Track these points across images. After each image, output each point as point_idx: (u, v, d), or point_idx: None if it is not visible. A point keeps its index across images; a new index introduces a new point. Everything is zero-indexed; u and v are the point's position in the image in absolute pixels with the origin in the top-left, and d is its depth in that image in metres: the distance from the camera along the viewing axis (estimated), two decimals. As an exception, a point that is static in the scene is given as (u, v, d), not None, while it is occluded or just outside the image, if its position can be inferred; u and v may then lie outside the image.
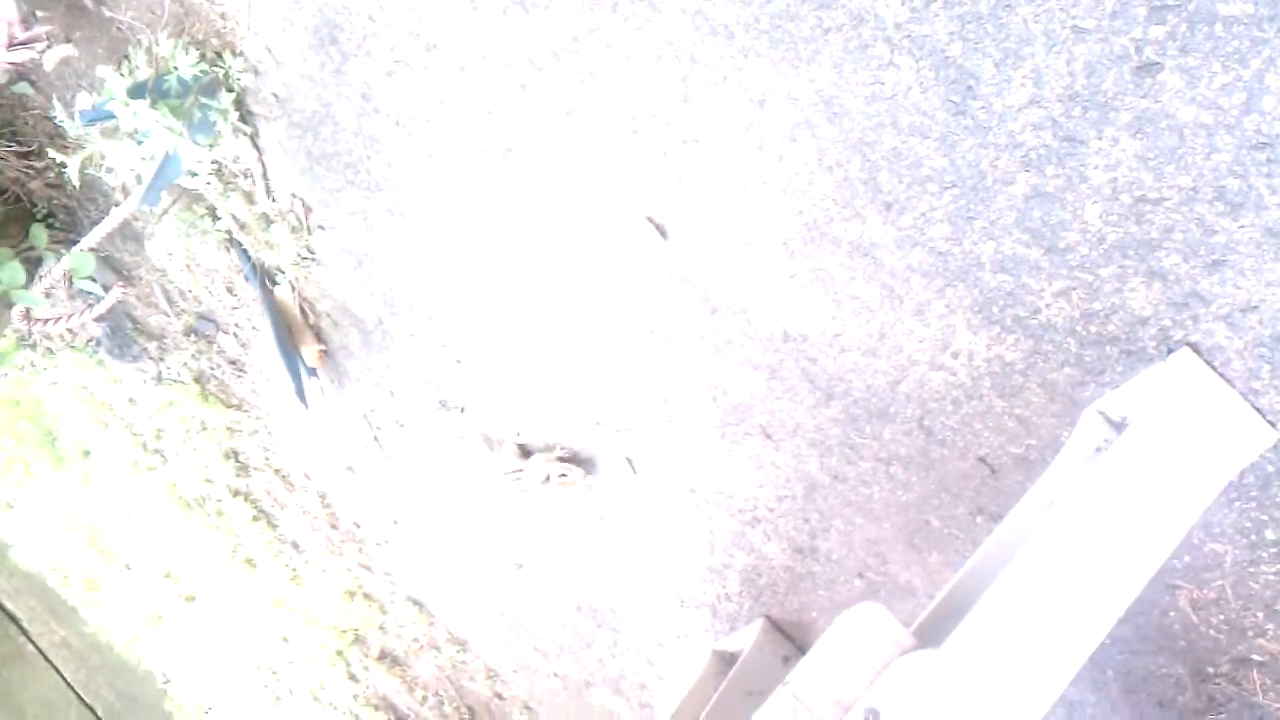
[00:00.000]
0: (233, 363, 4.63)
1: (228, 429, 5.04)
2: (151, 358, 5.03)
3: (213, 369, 4.77)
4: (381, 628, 5.31)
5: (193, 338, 4.66)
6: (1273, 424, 1.70)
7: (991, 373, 2.04)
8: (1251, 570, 1.85)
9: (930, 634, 1.71)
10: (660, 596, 3.35)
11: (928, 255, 2.01)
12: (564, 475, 3.29)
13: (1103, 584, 1.60)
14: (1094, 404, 1.87)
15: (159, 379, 5.09)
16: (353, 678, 5.77)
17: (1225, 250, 1.65)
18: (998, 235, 1.89)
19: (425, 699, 5.40)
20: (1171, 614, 2.01)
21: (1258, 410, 1.71)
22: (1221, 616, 1.94)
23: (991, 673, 1.53)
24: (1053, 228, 1.82)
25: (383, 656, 5.47)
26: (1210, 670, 2.01)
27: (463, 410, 3.57)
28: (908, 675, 1.55)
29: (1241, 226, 1.62)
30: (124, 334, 5.00)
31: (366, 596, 5.22)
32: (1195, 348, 1.73)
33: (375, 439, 4.18)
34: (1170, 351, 1.77)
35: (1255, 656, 1.93)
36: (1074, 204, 1.77)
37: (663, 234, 2.47)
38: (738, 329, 2.46)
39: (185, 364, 4.85)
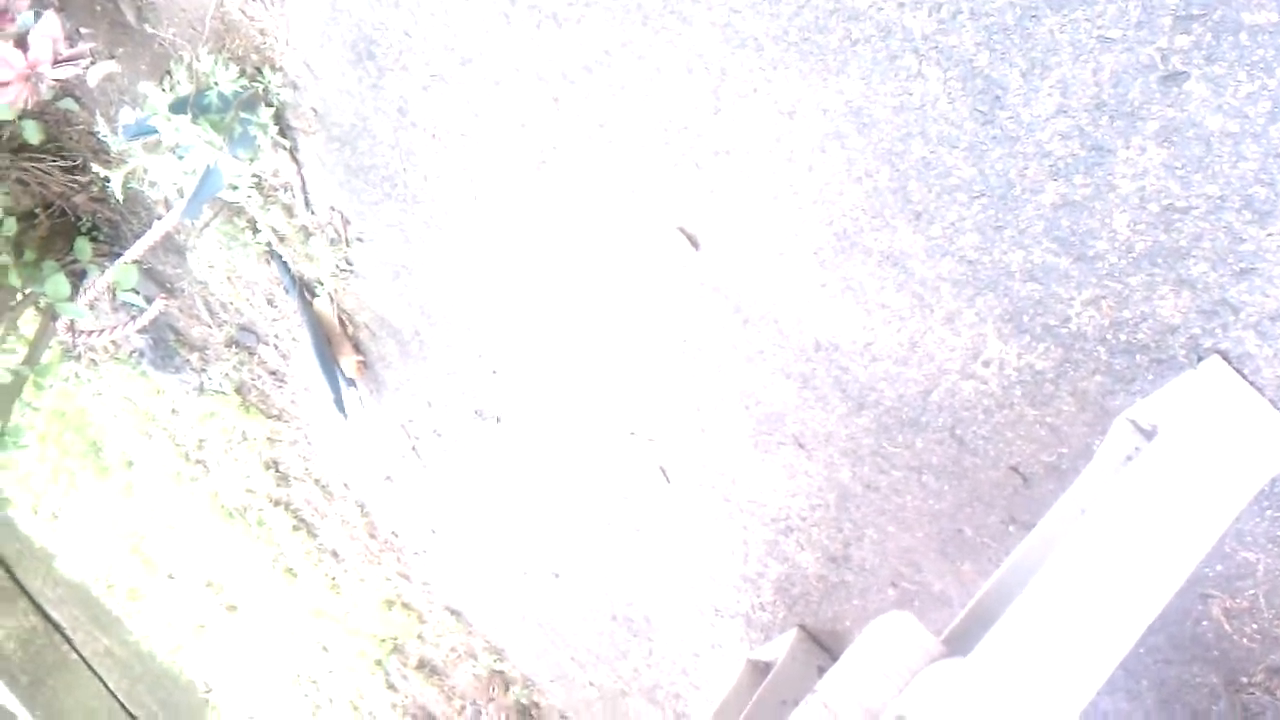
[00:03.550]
0: (273, 373, 4.68)
1: (268, 439, 5.09)
2: (194, 369, 5.10)
3: (253, 380, 4.83)
4: (420, 637, 5.34)
5: (234, 349, 4.72)
6: (1304, 432, 1.70)
7: (1022, 381, 2.05)
8: (1285, 579, 1.85)
9: (959, 642, 1.72)
10: (695, 606, 3.36)
11: (958, 264, 2.02)
12: None
13: (1132, 592, 1.60)
14: (1124, 412, 1.87)
15: (201, 390, 5.15)
16: (391, 687, 5.80)
17: (1254, 258, 1.65)
18: (1027, 244, 1.90)
19: (463, 708, 5.43)
20: (1205, 623, 2.00)
21: (1289, 418, 1.71)
22: (1255, 625, 1.93)
23: (1020, 680, 1.53)
24: (1081, 236, 1.82)
25: (421, 665, 5.50)
26: (1244, 679, 2.00)
27: (499, 420, 3.60)
28: (936, 683, 1.55)
29: (1269, 234, 1.62)
30: (166, 345, 5.07)
31: (405, 606, 5.26)
32: (1225, 356, 1.73)
33: (413, 449, 4.21)
34: (1200, 359, 1.77)
35: (1289, 666, 1.92)
36: (1102, 213, 1.78)
37: (694, 245, 2.49)
38: (770, 339, 2.47)
39: (227, 375, 4.91)
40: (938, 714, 1.52)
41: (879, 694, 1.60)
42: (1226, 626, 1.96)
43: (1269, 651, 1.93)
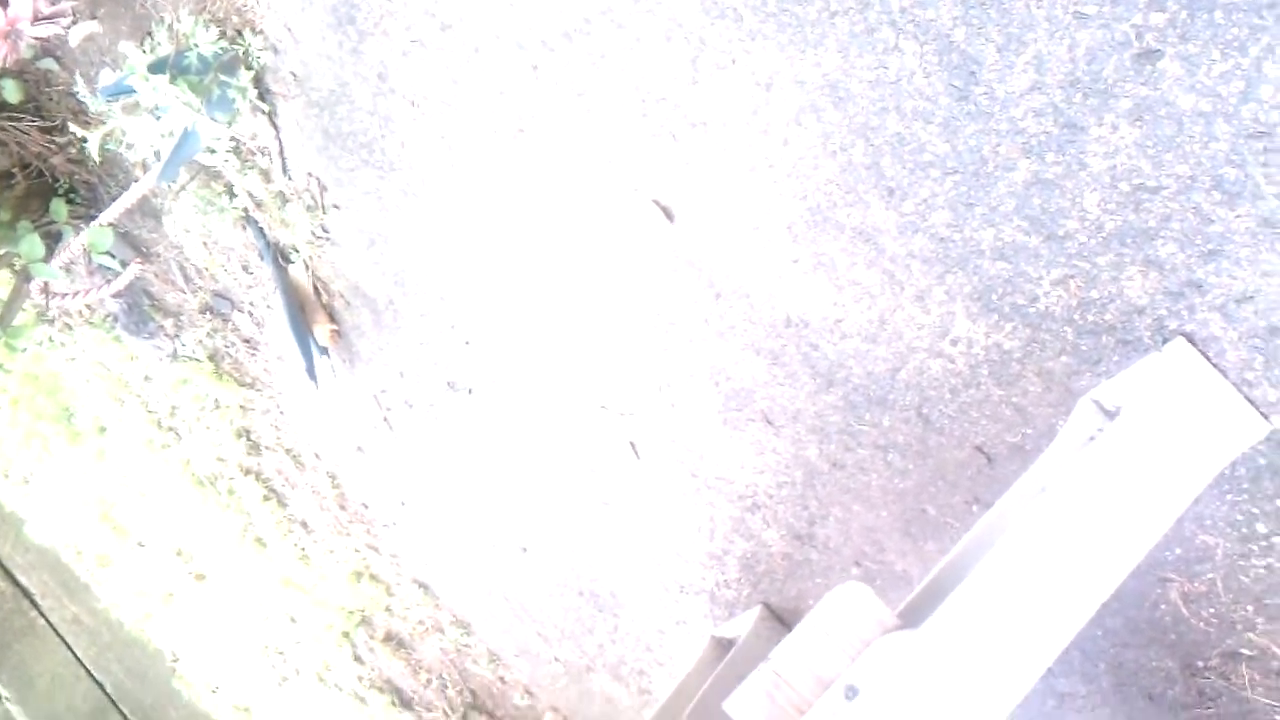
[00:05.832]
0: (246, 341, 4.66)
1: (240, 407, 5.06)
2: (167, 334, 5.06)
3: (227, 347, 4.80)
4: (388, 609, 5.33)
5: (208, 315, 4.69)
6: (1265, 416, 1.70)
7: (989, 361, 2.05)
8: (1242, 563, 1.85)
9: (915, 615, 1.72)
10: (661, 582, 3.36)
11: (929, 241, 2.02)
12: None
13: (1088, 569, 1.60)
14: (1089, 393, 1.87)
15: (174, 356, 5.12)
16: (358, 659, 5.79)
17: (1222, 240, 1.65)
18: (998, 222, 1.90)
19: (429, 681, 5.42)
20: (1162, 607, 2.01)
21: (1250, 402, 1.71)
22: (1212, 610, 1.94)
23: (970, 653, 1.53)
24: (1052, 215, 1.82)
25: (388, 638, 5.49)
26: (1200, 664, 2.01)
27: (470, 392, 3.59)
28: (888, 654, 1.55)
29: (1238, 216, 1.62)
30: (141, 310, 5.03)
31: (373, 578, 5.24)
32: (1190, 338, 1.73)
33: (385, 419, 4.20)
34: (1165, 341, 1.77)
35: (1245, 650, 1.93)
36: (1073, 191, 1.78)
37: (669, 217, 2.48)
38: (741, 314, 2.46)
39: (200, 341, 4.88)
40: (889, 684, 1.52)
41: (831, 664, 1.60)
42: (1184, 610, 1.97)
43: (1225, 636, 1.94)
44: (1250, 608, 1.88)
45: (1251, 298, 1.65)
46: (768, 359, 2.48)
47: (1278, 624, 1.87)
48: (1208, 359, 1.72)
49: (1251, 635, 1.90)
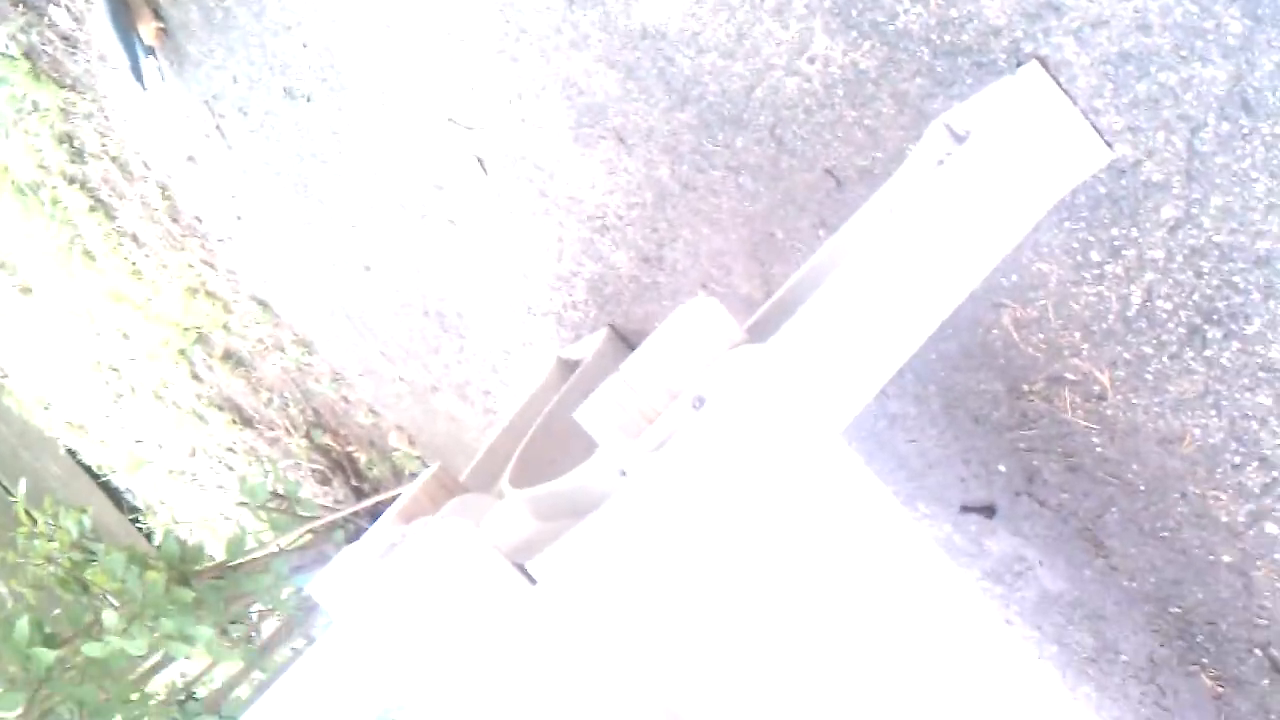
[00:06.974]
0: (65, 38, 4.35)
1: (61, 110, 4.78)
2: (-24, 31, 4.71)
3: (44, 44, 4.48)
4: (226, 327, 5.24)
5: (20, 8, 4.36)
6: (1109, 144, 1.73)
7: (845, 80, 2.02)
8: (1074, 290, 1.91)
9: (762, 331, 1.75)
10: (508, 303, 3.36)
11: (792, -47, 1.95)
12: None
13: (929, 287, 1.63)
14: (940, 116, 1.87)
15: (-14, 54, 4.78)
16: (196, 377, 5.72)
17: (1084, -40, 1.63)
18: (864, -65, 1.84)
19: (270, 400, 5.40)
20: (995, 332, 2.08)
21: (1096, 130, 1.73)
22: (1041, 335, 2.01)
23: (813, 366, 1.56)
24: (919, -71, 1.77)
25: (227, 356, 5.41)
26: (1025, 388, 2.10)
27: (309, 100, 3.43)
28: (735, 365, 1.58)
29: (1103, -64, 1.59)
30: (-55, 4, 4.66)
31: (209, 295, 5.12)
32: (1044, 62, 1.73)
33: (217, 128, 4.01)
34: (1020, 65, 1.76)
35: (1068, 375, 2.02)
36: (942, -96, 1.73)
37: (523, -82, 2.35)
38: (596, 22, 2.38)
39: (14, 37, 4.55)
40: (735, 394, 1.55)
41: (680, 375, 1.61)
42: (1015, 336, 2.04)
43: (1051, 361, 2.02)
44: (1077, 334, 1.95)
45: (1106, 22, 1.64)
46: (622, 73, 2.41)
47: (1101, 350, 1.95)
48: (1058, 84, 1.73)
49: (1076, 361, 1.99)
